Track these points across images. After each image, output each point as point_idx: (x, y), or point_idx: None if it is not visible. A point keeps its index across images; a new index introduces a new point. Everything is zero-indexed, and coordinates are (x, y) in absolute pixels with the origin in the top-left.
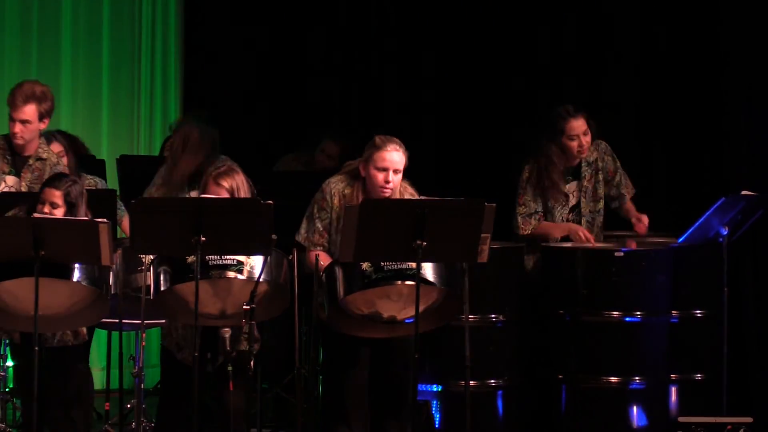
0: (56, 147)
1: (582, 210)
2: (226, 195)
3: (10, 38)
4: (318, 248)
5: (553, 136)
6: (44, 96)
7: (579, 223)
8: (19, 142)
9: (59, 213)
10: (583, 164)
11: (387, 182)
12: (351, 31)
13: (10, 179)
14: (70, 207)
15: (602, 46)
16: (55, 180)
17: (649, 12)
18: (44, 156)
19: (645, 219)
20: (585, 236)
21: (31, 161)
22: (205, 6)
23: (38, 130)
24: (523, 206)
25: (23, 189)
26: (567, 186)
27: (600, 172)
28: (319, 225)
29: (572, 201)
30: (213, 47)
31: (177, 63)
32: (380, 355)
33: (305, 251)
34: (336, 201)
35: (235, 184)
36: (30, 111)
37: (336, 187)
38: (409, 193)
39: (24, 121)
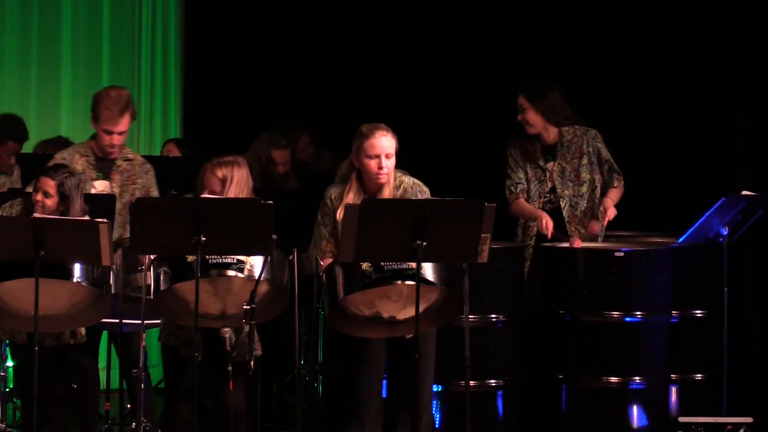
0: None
1: (559, 192)
2: (218, 184)
3: (10, 38)
4: (328, 256)
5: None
6: (131, 100)
7: (558, 205)
8: (116, 153)
9: (51, 203)
10: (558, 145)
11: (381, 168)
12: (351, 30)
13: (100, 183)
14: (63, 198)
15: (602, 44)
16: (51, 170)
17: (647, 9)
18: (131, 156)
19: (610, 213)
20: (545, 224)
21: (118, 162)
22: (205, 6)
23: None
24: (508, 178)
25: (114, 191)
26: (547, 164)
27: (585, 156)
28: (325, 232)
29: (549, 184)
30: (213, 47)
31: (177, 63)
32: (396, 352)
33: (306, 251)
34: (337, 204)
35: (230, 176)
36: (127, 121)
37: (335, 191)
38: (409, 182)
39: (122, 133)
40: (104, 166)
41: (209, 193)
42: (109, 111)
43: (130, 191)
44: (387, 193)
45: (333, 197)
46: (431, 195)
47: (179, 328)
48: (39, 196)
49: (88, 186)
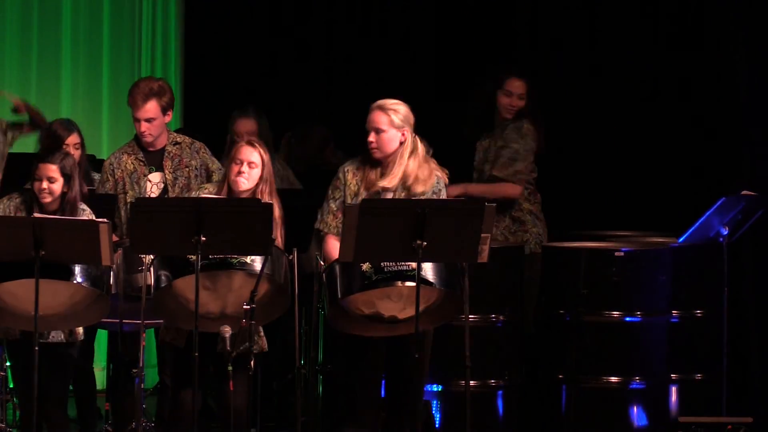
0: (74, 138)
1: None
2: (257, 158)
3: (10, 38)
4: (332, 231)
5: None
6: (162, 90)
7: None
8: (148, 139)
9: (57, 187)
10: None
11: (369, 142)
12: (350, 30)
13: (155, 176)
14: (67, 179)
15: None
16: (46, 156)
17: (651, 7)
18: (179, 140)
19: None
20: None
21: (168, 148)
22: (205, 6)
23: (164, 124)
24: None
25: (168, 179)
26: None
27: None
28: (333, 205)
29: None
30: (213, 47)
31: (177, 63)
32: (395, 352)
33: (306, 251)
34: (350, 177)
35: (266, 157)
36: (152, 107)
37: (350, 165)
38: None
39: (149, 119)
40: (154, 157)
41: (241, 158)
42: (132, 98)
43: (184, 175)
44: (388, 173)
45: (346, 170)
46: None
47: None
48: (44, 184)
49: (143, 182)
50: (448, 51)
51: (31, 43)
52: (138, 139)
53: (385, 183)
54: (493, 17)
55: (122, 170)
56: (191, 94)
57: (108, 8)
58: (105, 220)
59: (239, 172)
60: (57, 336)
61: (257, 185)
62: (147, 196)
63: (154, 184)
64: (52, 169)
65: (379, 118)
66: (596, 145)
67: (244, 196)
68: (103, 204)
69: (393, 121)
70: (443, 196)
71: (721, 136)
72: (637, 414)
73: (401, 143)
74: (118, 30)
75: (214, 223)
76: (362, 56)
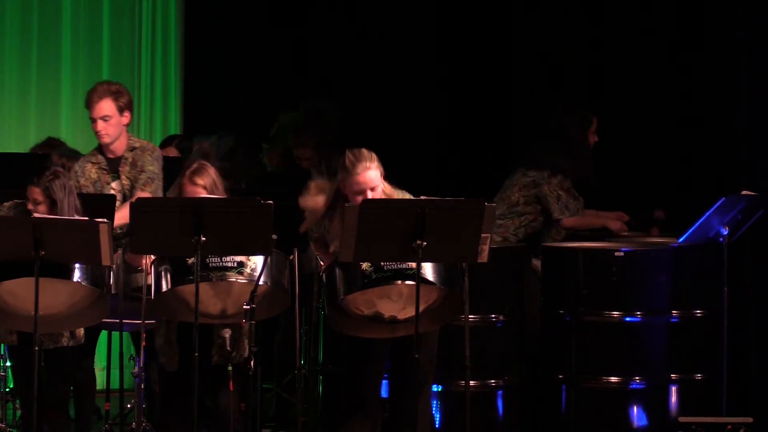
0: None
1: None
2: (204, 193)
3: (10, 38)
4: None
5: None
6: (119, 92)
7: None
8: (105, 140)
9: (43, 209)
10: None
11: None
12: (351, 28)
13: (116, 184)
14: (53, 203)
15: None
16: (36, 176)
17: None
18: (136, 145)
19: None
20: (621, 225)
21: (125, 155)
22: (205, 6)
23: (122, 126)
24: (566, 207)
25: (125, 185)
26: None
27: None
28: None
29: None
30: (213, 47)
31: (177, 63)
32: (397, 353)
33: (306, 251)
34: (328, 227)
35: (210, 181)
36: (107, 105)
37: (318, 227)
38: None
39: (104, 117)
40: (114, 164)
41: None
42: (88, 99)
43: (142, 180)
44: None
45: (318, 232)
46: (431, 193)
47: (160, 338)
48: (30, 206)
49: (107, 190)
50: (448, 56)
51: (31, 43)
52: (101, 148)
53: None
54: (493, 24)
55: (86, 178)
56: (191, 94)
57: (108, 8)
58: (105, 220)
59: None
60: (59, 340)
61: None
62: None
63: (117, 192)
64: (36, 192)
65: (375, 175)
66: (596, 146)
67: None
68: (103, 204)
69: (381, 173)
70: None
71: (721, 136)
72: (637, 414)
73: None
74: (118, 30)
75: (214, 223)
76: (362, 56)
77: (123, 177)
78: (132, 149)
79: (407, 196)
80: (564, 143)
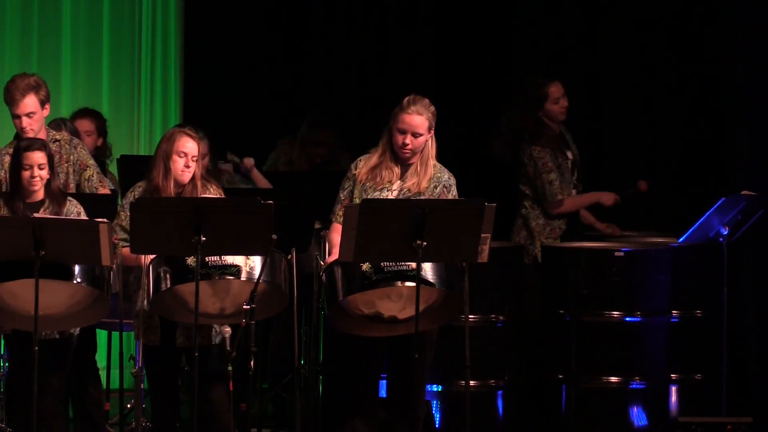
0: (85, 125)
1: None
2: (193, 150)
3: (10, 38)
4: (338, 220)
5: (535, 105)
6: (38, 84)
7: (581, 189)
8: (30, 135)
9: (45, 174)
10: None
11: (405, 145)
12: (351, 27)
13: None
14: (51, 166)
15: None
16: (30, 144)
17: (652, 8)
18: (58, 137)
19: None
20: (615, 199)
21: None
22: (205, 6)
23: (43, 119)
24: (549, 183)
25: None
26: (567, 152)
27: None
28: (341, 195)
29: (575, 172)
30: (213, 47)
31: (177, 63)
32: (396, 352)
33: (306, 251)
34: (361, 166)
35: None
36: (31, 102)
37: (363, 158)
38: (445, 178)
39: (29, 114)
40: None
41: (176, 158)
42: (9, 95)
43: (63, 171)
44: (412, 173)
45: (358, 161)
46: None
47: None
48: (35, 171)
49: None
50: (448, 62)
51: (31, 43)
52: (19, 138)
53: (411, 185)
54: (493, 28)
55: (5, 171)
56: (191, 94)
57: (108, 8)
58: (105, 220)
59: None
60: (52, 333)
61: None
62: None
63: None
64: (41, 156)
65: (421, 122)
66: (596, 146)
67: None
68: (103, 204)
69: (430, 125)
70: (454, 190)
71: (721, 136)
72: (637, 414)
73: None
74: (118, 30)
75: (213, 223)
76: (362, 56)
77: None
78: (54, 140)
79: (446, 174)
80: None
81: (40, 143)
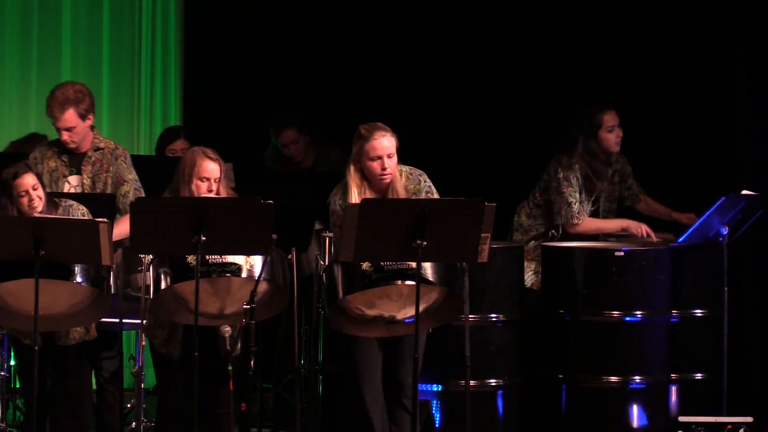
0: None
1: (600, 209)
2: (215, 171)
3: (10, 38)
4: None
5: (590, 131)
6: (78, 97)
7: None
8: (72, 146)
9: (41, 190)
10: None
11: (384, 169)
12: (351, 28)
13: (73, 179)
14: (43, 185)
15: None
16: (16, 171)
17: (651, 6)
18: (102, 145)
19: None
20: (646, 231)
21: (89, 153)
22: (205, 6)
23: (87, 128)
24: (572, 198)
25: (86, 183)
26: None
27: (617, 174)
28: (338, 233)
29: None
30: (213, 47)
31: (177, 63)
32: (390, 353)
33: (306, 251)
34: (342, 203)
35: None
36: (70, 117)
37: (340, 198)
38: (406, 170)
39: (68, 129)
40: (76, 160)
41: (199, 183)
42: (50, 109)
43: (102, 180)
44: (398, 188)
45: (340, 204)
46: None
47: (161, 327)
48: (32, 194)
49: (62, 183)
50: (449, 77)
51: (31, 43)
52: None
53: None
54: (494, 38)
55: (43, 166)
56: (191, 94)
57: (108, 9)
58: (105, 219)
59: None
60: (75, 336)
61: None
62: None
63: (72, 186)
64: (32, 177)
65: (391, 142)
66: None
67: None
68: (103, 204)
69: (396, 142)
70: (433, 188)
71: (721, 136)
72: (637, 414)
73: None
74: (118, 30)
75: (214, 223)
76: (362, 56)
77: (85, 175)
78: (97, 149)
79: (424, 177)
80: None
81: (23, 166)
